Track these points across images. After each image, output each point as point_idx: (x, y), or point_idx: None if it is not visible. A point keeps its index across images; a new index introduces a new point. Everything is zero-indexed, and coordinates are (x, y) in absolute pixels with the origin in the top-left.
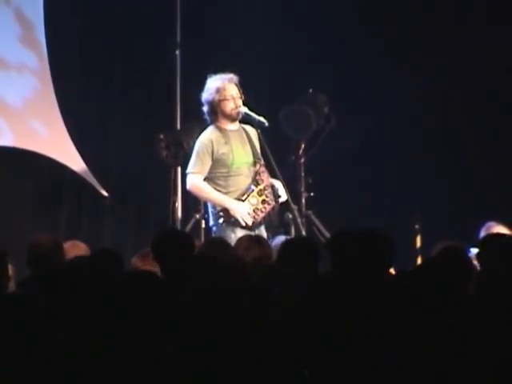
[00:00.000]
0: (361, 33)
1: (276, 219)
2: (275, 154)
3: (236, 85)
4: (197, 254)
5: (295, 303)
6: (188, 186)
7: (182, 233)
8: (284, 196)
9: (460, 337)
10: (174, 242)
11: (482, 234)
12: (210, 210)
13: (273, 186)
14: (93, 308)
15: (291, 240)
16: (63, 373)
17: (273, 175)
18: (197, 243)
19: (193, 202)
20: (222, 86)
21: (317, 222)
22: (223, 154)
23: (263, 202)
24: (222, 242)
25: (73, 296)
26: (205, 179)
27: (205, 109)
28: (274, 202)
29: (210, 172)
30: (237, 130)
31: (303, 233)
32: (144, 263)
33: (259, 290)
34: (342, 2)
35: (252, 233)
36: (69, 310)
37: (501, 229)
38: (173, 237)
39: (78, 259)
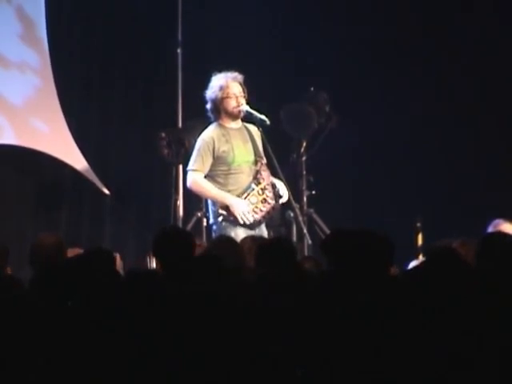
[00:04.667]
0: (361, 32)
1: (277, 217)
2: (277, 152)
3: (240, 83)
4: (200, 254)
5: (294, 304)
6: (188, 184)
7: (183, 231)
8: (285, 196)
9: (460, 336)
10: (174, 240)
11: (490, 230)
12: (211, 208)
13: (274, 185)
14: (91, 307)
15: (266, 242)
16: (62, 372)
17: (274, 174)
18: (198, 242)
19: (194, 201)
20: (225, 84)
21: (318, 220)
22: (224, 151)
23: (263, 200)
24: (231, 241)
25: (71, 295)
26: (205, 177)
27: (208, 106)
28: (274, 202)
29: (210, 170)
30: (239, 129)
31: (305, 231)
32: None
33: (257, 290)
34: (343, 1)
35: (252, 232)
36: (68, 310)
37: (508, 226)
38: (173, 235)
39: (75, 259)
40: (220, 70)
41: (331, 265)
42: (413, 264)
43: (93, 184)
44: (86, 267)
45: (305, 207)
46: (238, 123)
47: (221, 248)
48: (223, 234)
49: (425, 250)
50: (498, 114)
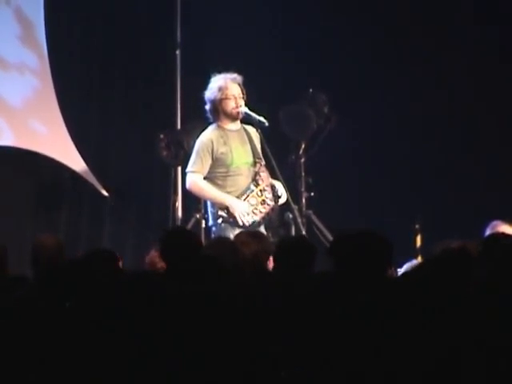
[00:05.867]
0: (361, 32)
1: (276, 219)
2: (275, 153)
3: (239, 84)
4: (203, 254)
5: (294, 304)
6: (188, 185)
7: (190, 232)
8: (284, 197)
9: (460, 336)
10: (182, 241)
11: (488, 232)
12: (210, 209)
13: (273, 187)
14: (92, 307)
15: (286, 240)
16: (62, 372)
17: (273, 175)
18: None
19: (193, 202)
20: (224, 85)
21: (317, 221)
22: (222, 153)
23: (263, 202)
24: (231, 244)
25: (72, 296)
26: (204, 178)
27: (207, 107)
28: (273, 203)
29: (209, 171)
30: (237, 130)
31: (303, 232)
32: (161, 258)
33: (257, 290)
34: (343, 1)
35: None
36: (68, 310)
37: (506, 228)
38: (181, 236)
39: (74, 260)
40: (219, 71)
41: (337, 266)
42: (408, 265)
43: (92, 185)
44: (87, 268)
45: (303, 209)
46: (237, 125)
47: (217, 249)
48: (222, 235)
49: (425, 251)
50: (497, 113)
